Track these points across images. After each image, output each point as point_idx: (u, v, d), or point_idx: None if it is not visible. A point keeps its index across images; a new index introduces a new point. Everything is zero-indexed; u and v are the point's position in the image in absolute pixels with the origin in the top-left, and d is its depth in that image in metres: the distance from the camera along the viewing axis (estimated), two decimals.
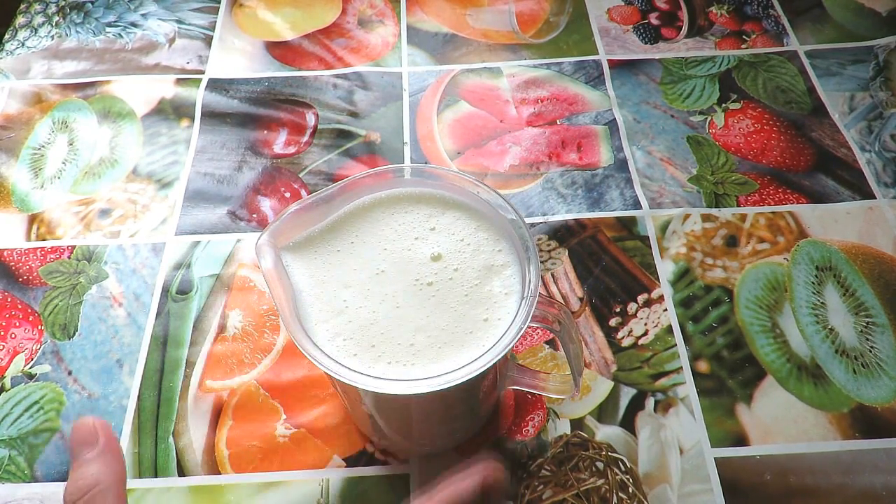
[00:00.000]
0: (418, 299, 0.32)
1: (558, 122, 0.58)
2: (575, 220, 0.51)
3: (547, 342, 0.46)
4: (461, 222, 0.34)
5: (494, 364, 0.29)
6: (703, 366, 0.44)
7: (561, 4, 0.68)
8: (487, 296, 0.32)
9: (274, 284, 0.30)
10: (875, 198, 0.52)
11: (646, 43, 0.64)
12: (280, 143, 0.57)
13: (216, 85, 0.61)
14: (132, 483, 0.40)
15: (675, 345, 0.45)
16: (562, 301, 0.47)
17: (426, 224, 0.34)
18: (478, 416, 0.40)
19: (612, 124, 0.58)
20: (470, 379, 0.28)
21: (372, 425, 0.39)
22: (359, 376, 0.28)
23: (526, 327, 0.29)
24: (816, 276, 0.48)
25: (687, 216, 0.51)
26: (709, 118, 0.58)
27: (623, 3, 0.68)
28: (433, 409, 0.35)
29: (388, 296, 0.32)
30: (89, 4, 0.68)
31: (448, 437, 0.40)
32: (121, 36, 0.65)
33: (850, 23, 0.65)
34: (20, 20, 0.66)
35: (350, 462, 0.41)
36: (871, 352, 0.45)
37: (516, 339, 0.29)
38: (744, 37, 0.65)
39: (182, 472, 0.41)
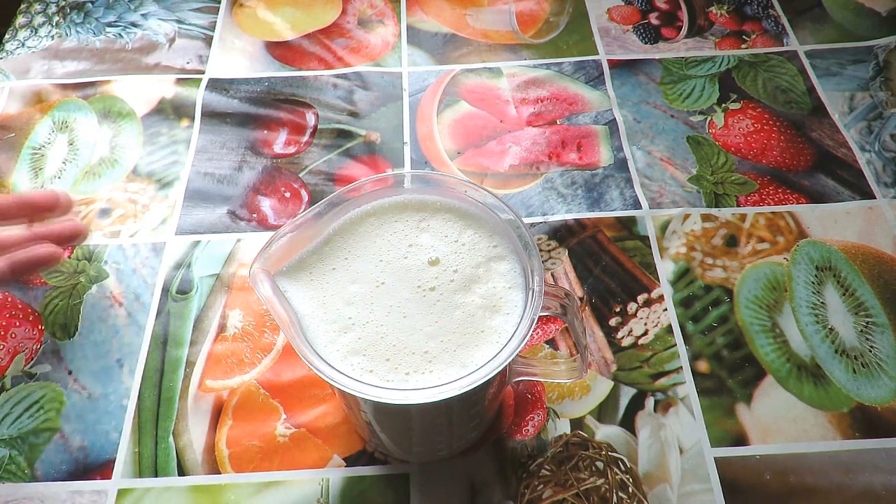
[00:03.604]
0: (424, 306, 0.32)
1: (558, 122, 0.58)
2: (575, 220, 0.51)
3: (547, 342, 0.46)
4: (451, 224, 0.34)
5: (515, 356, 0.29)
6: (703, 365, 0.45)
7: (561, 4, 0.68)
8: (492, 292, 0.32)
9: (276, 310, 0.30)
10: (875, 198, 0.52)
11: (646, 43, 0.64)
12: (280, 142, 0.57)
13: (216, 85, 0.61)
14: (132, 483, 0.40)
15: (675, 344, 0.45)
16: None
17: (417, 230, 0.34)
18: (487, 415, 0.40)
19: (612, 124, 0.58)
20: (498, 372, 0.28)
21: (405, 439, 0.39)
22: (382, 392, 0.28)
23: (536, 318, 0.29)
24: (816, 275, 0.48)
25: (687, 216, 0.51)
26: (709, 118, 0.58)
27: (623, 3, 0.68)
28: (459, 411, 0.35)
29: (393, 307, 0.32)
30: (89, 4, 0.68)
31: (464, 438, 0.40)
32: (121, 36, 0.65)
33: (850, 23, 0.66)
34: (20, 20, 0.67)
35: (350, 462, 0.41)
36: (870, 351, 0.45)
37: (530, 329, 0.29)
38: (744, 37, 0.65)
39: (182, 472, 0.41)
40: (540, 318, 0.31)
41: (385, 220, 0.35)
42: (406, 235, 0.34)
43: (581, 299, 0.48)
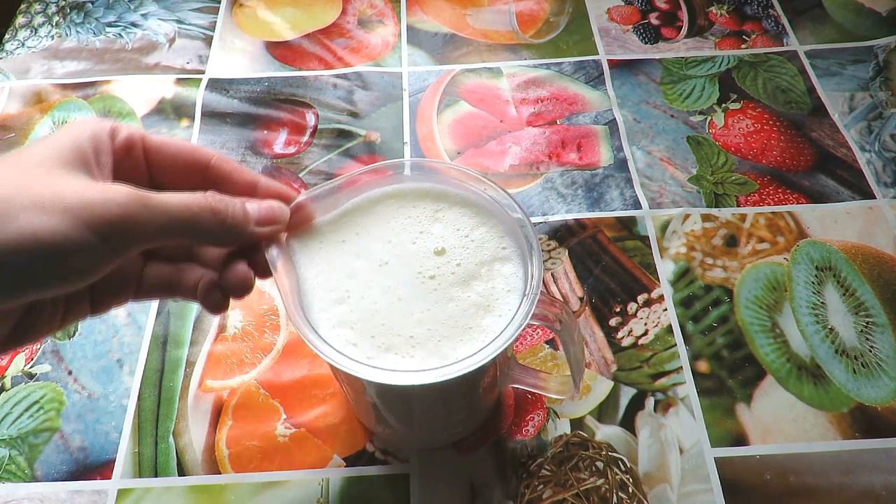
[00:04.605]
0: (420, 292, 0.32)
1: (558, 122, 0.58)
2: (575, 219, 0.51)
3: (547, 342, 0.46)
4: (466, 218, 0.34)
5: (493, 360, 0.29)
6: (703, 366, 0.45)
7: (561, 4, 0.68)
8: (489, 292, 0.32)
9: (279, 273, 0.30)
10: (875, 198, 0.52)
11: (646, 43, 0.64)
12: (280, 143, 0.57)
13: (216, 85, 0.61)
14: (132, 483, 0.40)
15: (675, 345, 0.45)
16: (563, 300, 0.47)
17: (432, 219, 0.34)
18: (477, 412, 0.40)
19: (612, 124, 0.58)
20: (468, 373, 0.28)
21: (375, 416, 0.39)
22: (356, 365, 0.29)
23: (526, 324, 0.29)
24: (816, 275, 0.48)
25: (687, 216, 0.51)
26: (709, 118, 0.58)
27: (623, 3, 0.68)
28: (433, 402, 0.36)
29: (390, 288, 0.32)
30: (89, 4, 0.68)
31: (447, 431, 0.40)
32: (121, 36, 0.65)
33: (850, 23, 0.66)
34: (20, 20, 0.67)
35: (350, 462, 0.41)
36: (870, 351, 0.45)
37: (515, 335, 0.29)
38: (744, 37, 0.65)
39: (182, 472, 0.41)
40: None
41: (403, 204, 0.35)
42: (419, 222, 0.34)
43: (581, 299, 0.48)
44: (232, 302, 0.48)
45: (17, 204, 0.22)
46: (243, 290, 0.30)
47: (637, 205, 0.52)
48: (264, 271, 0.30)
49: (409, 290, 0.32)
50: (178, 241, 0.27)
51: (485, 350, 0.29)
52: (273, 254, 0.30)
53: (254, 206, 0.29)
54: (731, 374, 0.44)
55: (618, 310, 0.47)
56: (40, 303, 0.26)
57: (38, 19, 0.66)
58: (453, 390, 0.34)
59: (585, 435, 0.42)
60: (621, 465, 0.40)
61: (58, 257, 0.23)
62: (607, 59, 0.63)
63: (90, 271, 0.24)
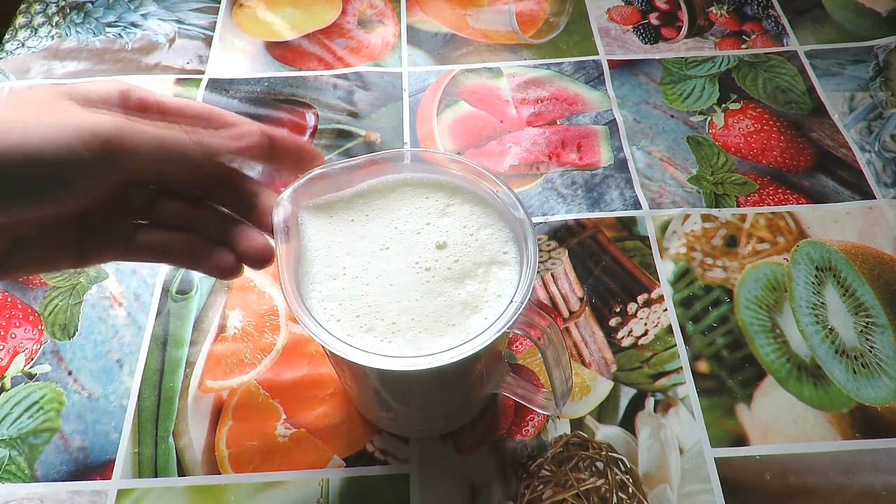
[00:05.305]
0: (413, 281, 0.32)
1: (558, 122, 0.58)
2: (575, 220, 0.51)
3: None
4: (476, 217, 0.35)
5: (461, 363, 0.28)
6: (703, 366, 0.45)
7: (561, 4, 0.68)
8: (480, 293, 0.32)
9: (279, 240, 0.31)
10: (875, 198, 0.52)
11: (646, 43, 0.64)
12: None
13: (216, 85, 0.61)
14: (132, 483, 0.40)
15: (675, 345, 0.45)
16: (563, 309, 0.47)
17: (442, 212, 0.35)
18: (468, 405, 0.40)
19: (612, 124, 0.58)
20: (434, 368, 0.28)
21: (357, 388, 0.39)
22: (332, 339, 0.29)
23: (505, 331, 0.29)
24: (816, 276, 0.48)
25: (687, 216, 0.51)
26: (709, 118, 0.58)
27: (623, 3, 0.68)
28: (412, 389, 0.36)
29: (384, 272, 0.32)
30: (89, 4, 0.68)
31: (432, 422, 0.40)
32: (121, 36, 0.65)
33: (850, 23, 0.66)
34: (20, 20, 0.66)
35: (350, 462, 0.41)
36: (870, 352, 0.45)
37: (491, 340, 0.29)
38: (744, 37, 0.65)
39: (182, 472, 0.41)
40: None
41: (417, 194, 0.35)
42: (429, 213, 0.35)
43: (581, 299, 0.48)
44: (232, 301, 0.48)
45: (16, 118, 0.24)
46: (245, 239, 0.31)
47: (637, 205, 0.52)
48: (270, 234, 0.31)
49: (402, 278, 0.32)
50: (163, 164, 0.28)
51: (458, 348, 0.28)
52: (279, 219, 0.31)
53: (227, 130, 0.31)
54: (731, 375, 0.44)
55: (618, 310, 0.47)
56: (25, 239, 0.28)
57: (38, 19, 0.66)
58: (432, 382, 0.34)
59: (585, 435, 0.42)
60: (621, 466, 0.40)
61: (48, 167, 0.24)
62: (607, 60, 0.63)
63: (79, 186, 0.26)
